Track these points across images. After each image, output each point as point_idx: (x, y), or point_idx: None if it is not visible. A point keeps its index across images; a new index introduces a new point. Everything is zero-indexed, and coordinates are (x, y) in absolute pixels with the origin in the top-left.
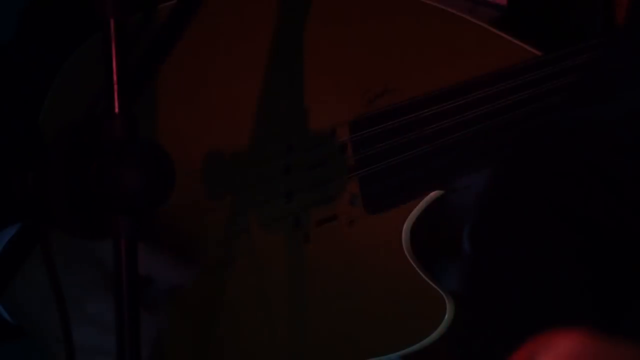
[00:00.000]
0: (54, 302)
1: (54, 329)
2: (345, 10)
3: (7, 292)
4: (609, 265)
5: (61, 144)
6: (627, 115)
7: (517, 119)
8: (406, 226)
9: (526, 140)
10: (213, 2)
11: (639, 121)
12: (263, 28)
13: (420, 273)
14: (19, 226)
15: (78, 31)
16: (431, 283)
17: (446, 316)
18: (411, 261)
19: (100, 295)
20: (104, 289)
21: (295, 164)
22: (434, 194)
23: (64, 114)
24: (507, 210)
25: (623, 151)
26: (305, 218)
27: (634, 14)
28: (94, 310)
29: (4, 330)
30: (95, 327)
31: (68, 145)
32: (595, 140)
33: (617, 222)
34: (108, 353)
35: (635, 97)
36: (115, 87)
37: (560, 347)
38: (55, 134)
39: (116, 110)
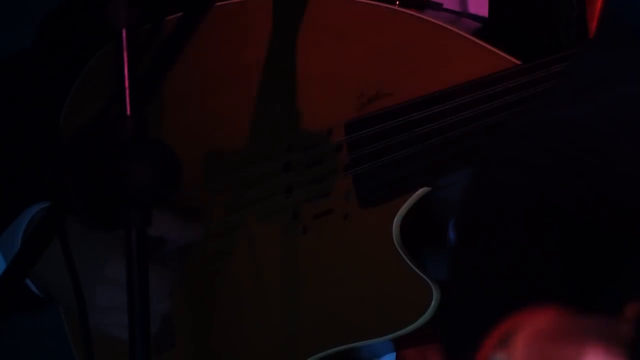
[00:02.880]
0: (70, 276)
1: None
2: (340, 21)
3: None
4: (583, 253)
5: (78, 142)
6: (609, 120)
7: (498, 123)
8: (396, 219)
9: (505, 141)
10: (216, 12)
11: (622, 125)
12: (262, 36)
13: (409, 262)
14: (42, 215)
15: (95, 41)
16: (419, 272)
17: (432, 302)
18: (400, 252)
19: (117, 258)
20: (121, 252)
21: (294, 162)
22: (422, 190)
23: (83, 115)
24: (488, 200)
25: (602, 152)
26: (303, 212)
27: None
28: (111, 271)
29: (32, 301)
30: (113, 287)
31: (84, 143)
32: (578, 140)
33: (591, 213)
34: (125, 310)
35: (613, 101)
36: (127, 91)
37: (535, 324)
38: (72, 133)
39: (127, 112)
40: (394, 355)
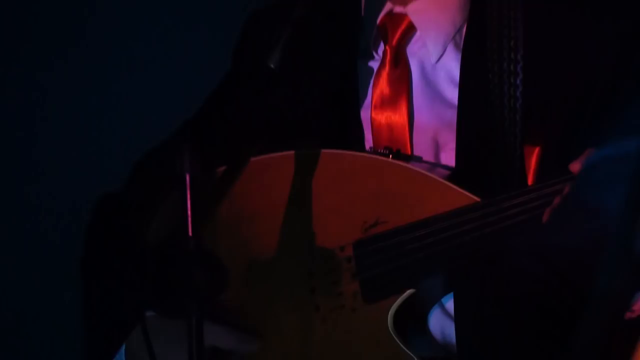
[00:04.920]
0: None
1: None
2: (348, 169)
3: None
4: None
5: (155, 256)
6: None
7: (467, 242)
8: (391, 312)
9: (480, 255)
10: (254, 164)
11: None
12: (288, 181)
13: (401, 344)
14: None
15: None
16: (409, 352)
17: None
18: (394, 336)
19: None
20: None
21: (316, 270)
22: (409, 291)
23: (161, 234)
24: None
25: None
26: (323, 306)
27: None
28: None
29: None
30: None
31: (159, 256)
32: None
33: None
34: None
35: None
36: (189, 219)
37: None
38: (151, 250)
39: (190, 234)
40: None
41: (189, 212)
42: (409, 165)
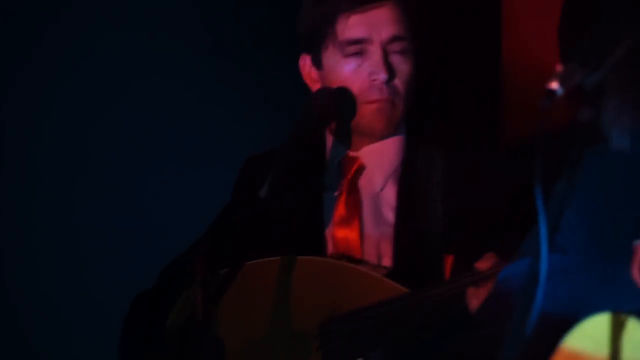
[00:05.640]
0: None
1: None
2: (313, 270)
3: None
4: None
5: (172, 336)
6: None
7: (400, 321)
8: None
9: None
10: (247, 268)
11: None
12: (272, 281)
13: None
14: None
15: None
16: None
17: None
18: None
19: None
20: None
21: (289, 346)
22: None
23: (178, 320)
24: None
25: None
26: None
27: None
28: None
29: None
30: None
31: (175, 336)
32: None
33: None
34: None
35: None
36: (201, 309)
37: None
38: (170, 331)
39: (200, 318)
40: None
41: (200, 303)
42: (359, 267)
